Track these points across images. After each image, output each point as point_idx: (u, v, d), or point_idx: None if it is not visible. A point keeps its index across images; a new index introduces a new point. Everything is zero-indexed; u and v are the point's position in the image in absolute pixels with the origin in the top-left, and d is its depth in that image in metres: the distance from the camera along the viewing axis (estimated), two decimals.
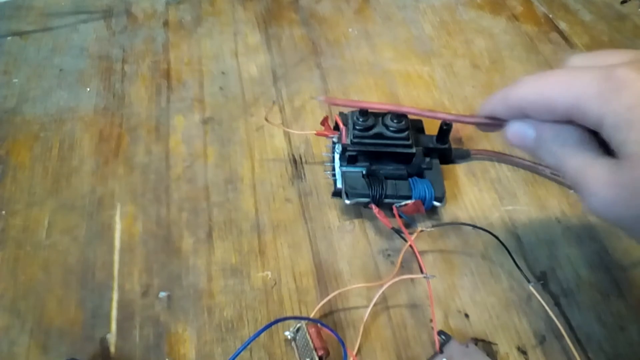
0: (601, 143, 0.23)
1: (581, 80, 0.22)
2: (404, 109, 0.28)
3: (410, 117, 0.36)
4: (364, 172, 0.36)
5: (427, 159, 0.37)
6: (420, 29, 0.52)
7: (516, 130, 0.25)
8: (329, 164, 0.39)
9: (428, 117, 0.29)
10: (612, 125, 0.21)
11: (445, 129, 0.37)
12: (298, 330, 0.30)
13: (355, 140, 0.35)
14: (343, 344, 0.28)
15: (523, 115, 0.25)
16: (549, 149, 0.24)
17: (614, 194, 0.21)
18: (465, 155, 0.40)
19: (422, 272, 0.32)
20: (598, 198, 0.22)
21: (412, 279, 0.34)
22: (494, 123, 0.27)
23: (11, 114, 0.43)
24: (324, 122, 0.38)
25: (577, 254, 0.35)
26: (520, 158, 0.40)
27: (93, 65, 0.47)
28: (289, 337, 0.30)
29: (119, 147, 0.41)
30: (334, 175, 0.37)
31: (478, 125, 0.27)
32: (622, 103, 0.20)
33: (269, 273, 0.34)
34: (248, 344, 0.28)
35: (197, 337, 0.31)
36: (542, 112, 0.24)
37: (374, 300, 0.31)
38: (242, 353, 0.30)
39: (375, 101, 0.28)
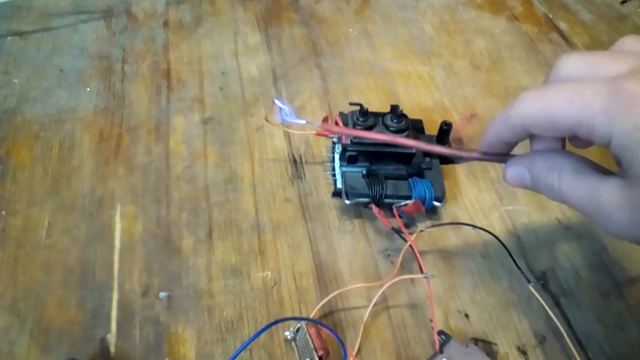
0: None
1: (585, 96, 0.20)
2: (402, 141, 0.27)
3: (410, 117, 0.36)
4: (364, 172, 0.36)
5: (427, 159, 0.37)
6: (420, 29, 0.52)
7: (511, 173, 0.25)
8: (329, 164, 0.39)
9: (426, 150, 0.28)
10: (620, 144, 0.20)
11: (445, 129, 0.37)
12: (298, 330, 0.30)
13: (355, 140, 0.35)
14: (343, 344, 0.28)
15: (526, 133, 0.24)
16: (546, 184, 0.24)
17: (630, 217, 0.20)
18: None
19: (422, 272, 0.32)
20: (614, 221, 0.21)
21: (412, 279, 0.34)
22: (493, 159, 0.26)
23: (11, 114, 0.43)
24: (324, 122, 0.38)
25: (577, 254, 0.35)
26: None
27: (93, 65, 0.47)
28: (289, 337, 0.30)
29: (119, 147, 0.41)
30: (334, 175, 0.37)
31: (479, 160, 0.27)
32: (632, 122, 0.19)
33: (269, 273, 0.34)
34: (248, 344, 0.28)
35: (197, 337, 0.31)
36: (546, 129, 0.22)
37: (374, 300, 0.31)
38: (242, 353, 0.30)
39: (373, 132, 0.28)
